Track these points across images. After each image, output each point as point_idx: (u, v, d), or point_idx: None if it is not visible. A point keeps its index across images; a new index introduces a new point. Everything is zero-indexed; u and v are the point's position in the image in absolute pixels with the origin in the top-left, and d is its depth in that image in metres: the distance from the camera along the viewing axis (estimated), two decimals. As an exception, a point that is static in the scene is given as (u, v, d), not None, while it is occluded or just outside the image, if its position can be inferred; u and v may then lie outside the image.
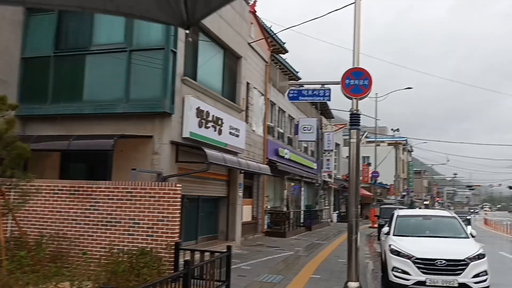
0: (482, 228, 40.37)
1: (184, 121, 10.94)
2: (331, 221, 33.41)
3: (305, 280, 9.61)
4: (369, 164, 49.82)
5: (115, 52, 10.85)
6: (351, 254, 8.39)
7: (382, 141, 62.82)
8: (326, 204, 34.39)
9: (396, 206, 21.59)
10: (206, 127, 11.71)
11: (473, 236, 9.47)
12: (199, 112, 11.34)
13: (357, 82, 8.47)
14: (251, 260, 12.09)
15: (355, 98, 8.49)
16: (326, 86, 9.02)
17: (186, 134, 10.96)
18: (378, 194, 47.58)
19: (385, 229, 10.17)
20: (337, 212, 36.99)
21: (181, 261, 7.93)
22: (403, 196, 60.90)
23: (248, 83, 17.10)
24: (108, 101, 10.74)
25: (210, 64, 13.05)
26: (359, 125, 8.44)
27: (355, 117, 8.43)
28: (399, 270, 8.53)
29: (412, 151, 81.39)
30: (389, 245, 9.02)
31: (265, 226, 19.75)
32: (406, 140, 73.63)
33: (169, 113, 10.35)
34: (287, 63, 25.80)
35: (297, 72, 27.43)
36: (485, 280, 8.20)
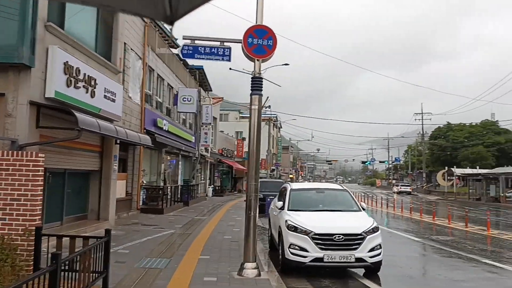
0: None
1: (47, 78, 8.91)
2: (207, 195, 32.84)
3: (194, 263, 8.61)
4: (243, 139, 50.38)
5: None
6: (249, 233, 7.59)
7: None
8: (202, 178, 33.67)
9: (275, 180, 21.82)
10: (76, 87, 9.77)
11: (363, 209, 9.40)
12: (68, 68, 9.36)
13: (260, 41, 7.56)
14: (128, 242, 10.68)
15: (258, 60, 7.59)
16: (226, 44, 7.94)
17: (50, 94, 8.95)
18: (251, 169, 48.50)
19: (278, 203, 9.61)
20: (212, 186, 36.54)
21: (43, 248, 6.33)
22: (273, 170, 63.33)
23: (125, 44, 15.15)
24: None
25: (82, 13, 10.96)
26: (261, 89, 7.58)
27: (257, 81, 7.54)
28: (297, 247, 8.02)
29: (281, 128, 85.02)
30: (286, 221, 8.44)
31: (141, 203, 18.20)
32: (276, 116, 76.45)
33: (28, 65, 8.26)
34: (166, 28, 23.95)
35: (176, 39, 25.74)
36: (379, 254, 8.12)
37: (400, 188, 68.90)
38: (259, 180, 26.08)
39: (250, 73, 7.63)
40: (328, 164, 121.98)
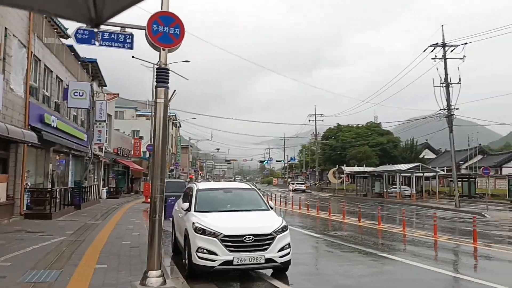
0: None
1: None
2: (101, 197, 30.76)
3: (89, 273, 7.71)
4: (141, 138, 48.39)
5: None
6: (153, 238, 6.95)
7: (153, 115, 62.30)
8: (96, 179, 31.50)
9: (176, 180, 20.99)
10: None
11: (271, 208, 9.23)
12: None
13: (167, 29, 6.97)
14: (10, 253, 9.33)
15: (164, 49, 6.99)
16: (128, 30, 7.19)
17: None
18: (148, 168, 46.75)
19: (184, 205, 9.05)
20: (106, 188, 34.38)
21: None
22: (172, 170, 61.85)
23: (6, 28, 13.39)
24: None
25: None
26: (167, 82, 7.00)
27: (163, 72, 6.94)
28: (205, 251, 7.57)
29: (180, 127, 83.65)
30: (193, 223, 7.93)
31: (25, 207, 16.29)
32: (175, 115, 75.01)
33: None
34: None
35: (67, 29, 23.64)
36: (289, 253, 7.99)
37: (296, 186, 71.65)
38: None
39: (156, 64, 7.01)
40: (228, 163, 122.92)
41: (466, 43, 34.05)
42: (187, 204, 8.97)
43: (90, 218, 17.72)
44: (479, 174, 55.25)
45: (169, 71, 6.95)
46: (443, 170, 57.03)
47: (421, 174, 49.52)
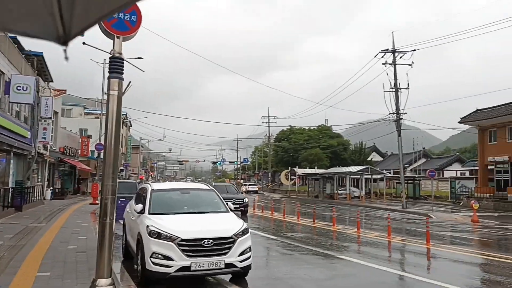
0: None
1: None
2: (45, 199, 29.07)
3: (30, 282, 6.98)
4: (89, 137, 46.43)
5: None
6: (103, 243, 6.34)
7: (103, 114, 60.22)
8: (40, 179, 29.74)
9: (127, 181, 20.08)
10: None
11: (231, 210, 8.81)
12: None
13: (122, 15, 6.42)
14: None
15: (119, 37, 6.44)
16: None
17: None
18: (96, 168, 44.91)
19: (137, 206, 8.46)
20: (51, 188, 32.59)
21: None
22: (122, 171, 59.89)
23: None
24: None
25: None
26: (122, 72, 6.44)
27: (117, 62, 6.39)
28: (160, 256, 7.05)
29: (131, 126, 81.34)
30: (147, 226, 7.38)
31: (-43, 210, 14.94)
32: (126, 114, 72.82)
33: None
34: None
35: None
36: (249, 257, 7.61)
37: (248, 187, 71.54)
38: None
39: (109, 52, 6.42)
40: (180, 164, 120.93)
41: (414, 50, 35.27)
42: (140, 206, 8.38)
43: (33, 220, 16.54)
44: (424, 177, 57.60)
45: (124, 61, 6.40)
46: (390, 173, 58.86)
47: (370, 176, 50.76)
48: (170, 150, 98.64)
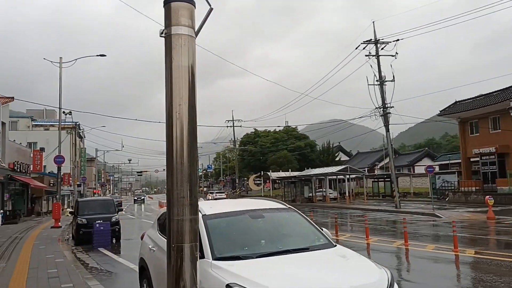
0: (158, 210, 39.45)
1: None
2: (-5, 224, 24.53)
3: None
4: (42, 150, 41.46)
5: None
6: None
7: (52, 125, 55.22)
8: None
9: (103, 198, 16.51)
10: None
11: (329, 239, 5.25)
12: None
13: None
14: None
15: None
16: None
17: None
18: (52, 185, 40.09)
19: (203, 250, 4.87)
20: (1, 211, 27.88)
21: None
22: (80, 185, 54.77)
23: None
24: None
25: None
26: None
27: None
28: None
29: (84, 137, 75.77)
30: (227, 286, 4.05)
31: None
32: (79, 125, 67.49)
33: None
34: None
35: None
36: None
37: (216, 195, 68.13)
38: (81, 200, 20.12)
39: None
40: (139, 175, 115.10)
41: (398, 40, 33.58)
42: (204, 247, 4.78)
43: (-15, 258, 12.57)
44: (402, 173, 56.60)
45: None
46: (364, 171, 57.58)
47: (345, 177, 48.88)
48: (130, 160, 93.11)
